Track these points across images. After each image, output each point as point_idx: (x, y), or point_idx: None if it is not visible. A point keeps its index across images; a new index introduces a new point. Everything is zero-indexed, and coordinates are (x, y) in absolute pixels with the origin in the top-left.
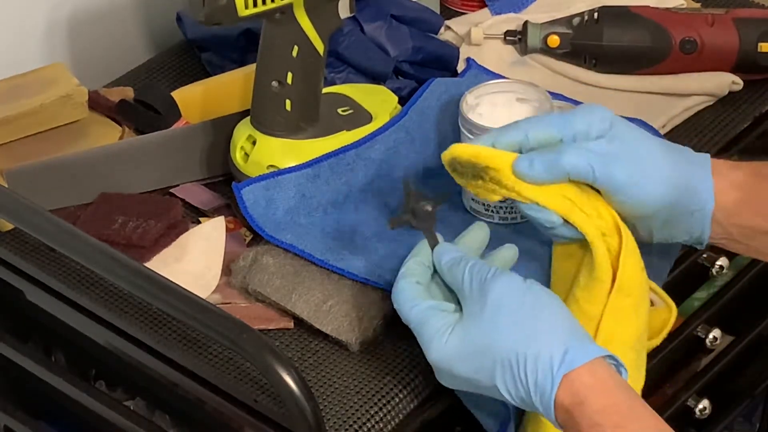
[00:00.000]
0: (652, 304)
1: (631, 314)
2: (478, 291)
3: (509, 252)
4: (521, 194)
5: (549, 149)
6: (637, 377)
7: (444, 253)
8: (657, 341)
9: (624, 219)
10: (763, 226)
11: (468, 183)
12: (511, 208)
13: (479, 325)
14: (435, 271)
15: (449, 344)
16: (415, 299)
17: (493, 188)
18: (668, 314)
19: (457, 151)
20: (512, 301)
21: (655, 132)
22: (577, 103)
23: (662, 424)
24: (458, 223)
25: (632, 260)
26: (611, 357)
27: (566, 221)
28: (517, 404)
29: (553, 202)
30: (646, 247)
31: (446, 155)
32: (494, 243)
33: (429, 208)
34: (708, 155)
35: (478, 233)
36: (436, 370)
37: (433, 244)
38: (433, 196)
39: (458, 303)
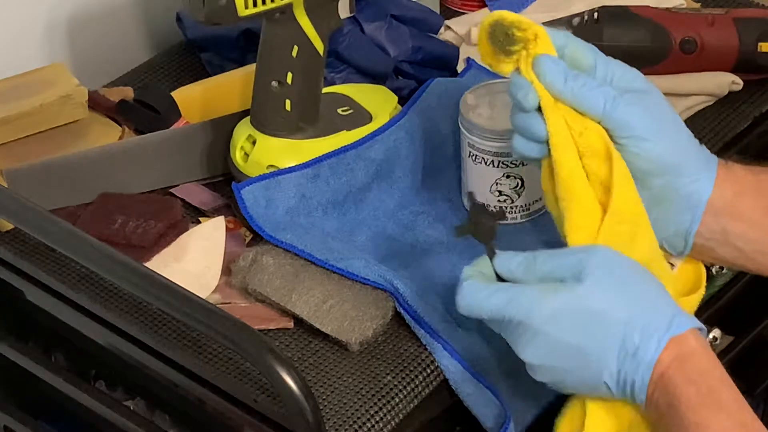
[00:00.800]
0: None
1: (628, 242)
2: (574, 265)
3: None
4: (529, 74)
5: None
6: None
7: (509, 258)
8: (698, 294)
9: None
10: (761, 221)
11: (492, 51)
12: (512, 208)
13: (588, 290)
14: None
15: (559, 300)
16: (491, 287)
17: (510, 60)
18: (695, 266)
19: (507, 15)
20: (615, 270)
21: None
22: None
23: (745, 403)
24: (458, 223)
25: (623, 187)
26: (702, 329)
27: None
28: (609, 378)
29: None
30: None
31: (492, 17)
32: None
33: (491, 222)
34: (716, 157)
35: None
36: (534, 341)
37: (491, 255)
38: (494, 212)
39: None
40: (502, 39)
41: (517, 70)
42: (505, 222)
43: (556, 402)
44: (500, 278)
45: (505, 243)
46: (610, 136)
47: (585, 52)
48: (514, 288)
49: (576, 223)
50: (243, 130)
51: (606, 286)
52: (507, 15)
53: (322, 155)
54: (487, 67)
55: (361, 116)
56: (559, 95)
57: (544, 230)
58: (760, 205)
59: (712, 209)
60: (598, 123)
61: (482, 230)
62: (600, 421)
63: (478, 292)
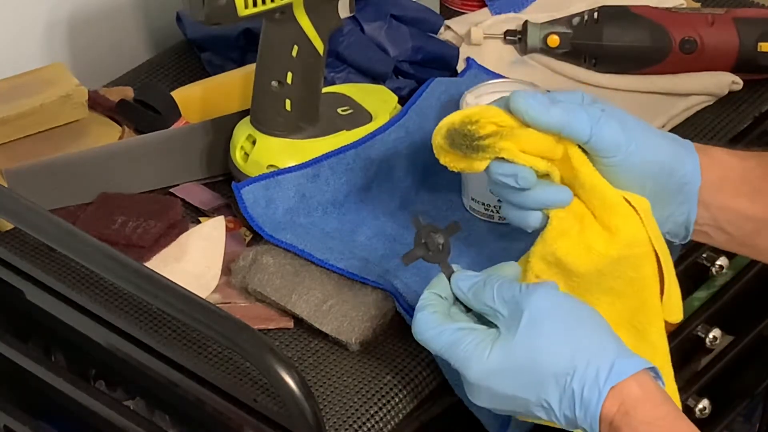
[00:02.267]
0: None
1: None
2: (513, 307)
3: (511, 270)
4: (509, 151)
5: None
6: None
7: (463, 279)
8: (672, 319)
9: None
10: (746, 208)
11: (463, 156)
12: None
13: (521, 340)
14: (453, 303)
15: (492, 359)
16: (440, 325)
17: (483, 155)
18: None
19: (455, 118)
20: (553, 313)
21: None
22: None
23: None
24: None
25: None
26: (653, 369)
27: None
28: (561, 423)
29: (534, 160)
30: None
31: (440, 129)
32: (494, 242)
33: (441, 240)
34: (690, 141)
35: (507, 270)
36: (473, 389)
37: (449, 274)
38: (444, 227)
39: (487, 326)
40: (463, 141)
41: (497, 159)
42: (504, 222)
43: None
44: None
45: (505, 243)
46: (592, 157)
47: (533, 99)
48: (458, 333)
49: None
50: (243, 130)
51: (540, 335)
52: (454, 118)
53: (322, 155)
54: (459, 171)
55: (361, 116)
56: (545, 126)
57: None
58: (745, 191)
59: (701, 199)
60: (581, 145)
61: (434, 251)
62: None
63: (429, 329)
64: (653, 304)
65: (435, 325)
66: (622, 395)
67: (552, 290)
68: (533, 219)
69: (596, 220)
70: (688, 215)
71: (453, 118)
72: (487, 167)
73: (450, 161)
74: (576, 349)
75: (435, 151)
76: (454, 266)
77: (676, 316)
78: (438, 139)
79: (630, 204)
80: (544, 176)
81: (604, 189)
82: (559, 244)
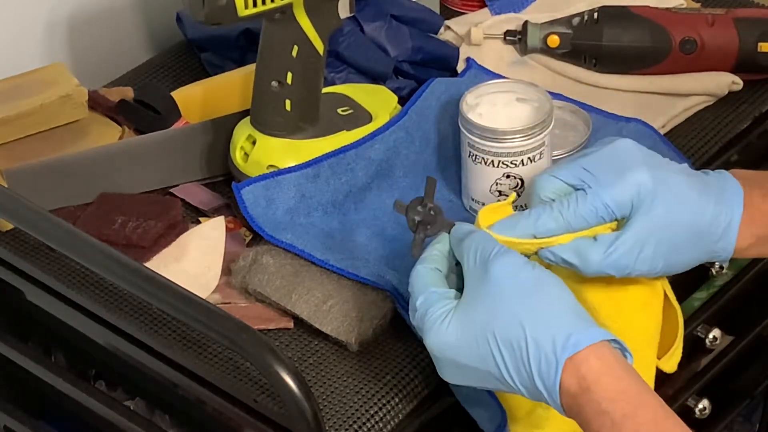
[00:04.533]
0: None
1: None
2: (480, 268)
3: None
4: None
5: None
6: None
7: (459, 228)
8: (672, 360)
9: None
10: None
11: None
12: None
13: (478, 305)
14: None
15: (449, 330)
16: (426, 285)
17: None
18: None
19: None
20: (513, 280)
21: (654, 132)
22: (576, 103)
23: (671, 414)
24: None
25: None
26: (616, 341)
27: None
28: (524, 394)
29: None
30: None
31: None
32: None
33: (430, 205)
34: (741, 191)
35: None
36: (437, 362)
37: (449, 229)
38: (425, 185)
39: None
40: None
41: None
42: None
43: None
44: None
45: None
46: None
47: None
48: (432, 297)
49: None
50: (243, 130)
51: (496, 304)
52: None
53: (322, 155)
54: None
55: (361, 116)
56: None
57: None
58: None
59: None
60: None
61: (431, 222)
62: None
63: (418, 285)
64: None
65: (424, 283)
66: (581, 370)
67: (518, 257)
68: None
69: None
70: (726, 256)
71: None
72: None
73: None
74: (531, 319)
75: None
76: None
77: (671, 367)
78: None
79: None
80: None
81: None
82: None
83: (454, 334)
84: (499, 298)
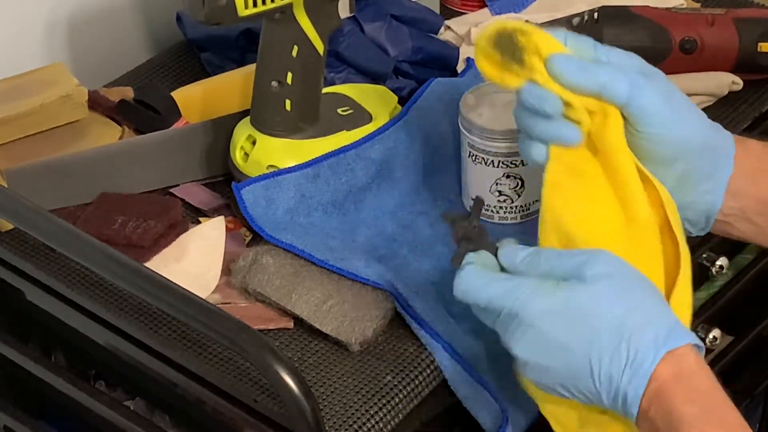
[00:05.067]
0: None
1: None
2: (576, 266)
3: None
4: (544, 77)
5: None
6: None
7: (515, 251)
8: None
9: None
10: None
11: (501, 62)
12: (511, 208)
13: (587, 291)
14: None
15: (556, 299)
16: (490, 276)
17: (520, 70)
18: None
19: (508, 23)
20: (618, 272)
21: None
22: None
23: (748, 427)
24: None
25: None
26: (701, 347)
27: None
28: (597, 385)
29: (565, 93)
30: None
31: (494, 27)
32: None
33: (475, 223)
34: (729, 132)
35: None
36: (521, 331)
37: (494, 251)
38: (470, 208)
39: None
40: (509, 47)
41: (531, 80)
42: (503, 222)
43: None
44: (503, 271)
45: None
46: (629, 124)
47: (584, 45)
48: (515, 279)
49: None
50: (243, 130)
51: (605, 290)
52: (507, 23)
53: (322, 155)
54: (493, 83)
55: (361, 116)
56: (583, 88)
57: None
58: None
59: (731, 189)
60: (620, 110)
61: (474, 239)
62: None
63: (478, 278)
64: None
65: (484, 274)
66: (680, 361)
67: (613, 255)
68: (536, 152)
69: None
70: (713, 204)
71: (506, 24)
72: (519, 88)
73: (485, 66)
74: (638, 310)
75: (475, 53)
76: (500, 241)
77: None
78: (483, 39)
79: (653, 185)
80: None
81: (627, 164)
82: (552, 199)
83: (560, 304)
84: (606, 288)
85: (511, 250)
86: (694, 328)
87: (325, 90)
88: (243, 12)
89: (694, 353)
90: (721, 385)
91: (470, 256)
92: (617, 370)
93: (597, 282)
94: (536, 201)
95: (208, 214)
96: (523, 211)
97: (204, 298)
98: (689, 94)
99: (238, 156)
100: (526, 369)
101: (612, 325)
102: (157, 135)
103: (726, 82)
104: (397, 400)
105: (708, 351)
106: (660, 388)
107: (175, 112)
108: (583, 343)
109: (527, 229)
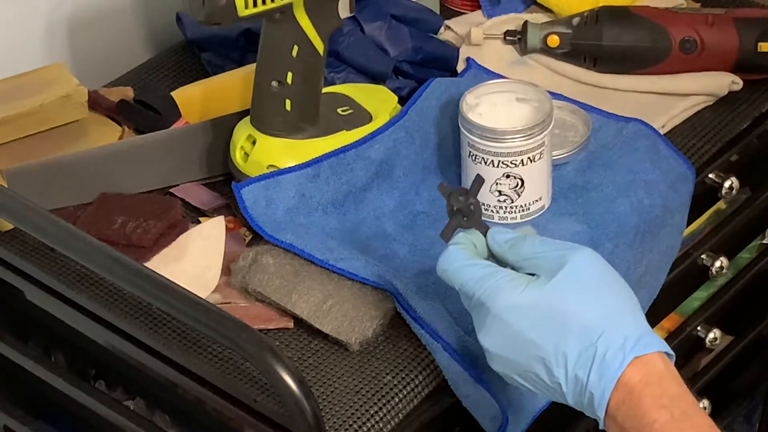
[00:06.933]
0: None
1: None
2: (555, 260)
3: (530, 229)
4: None
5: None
6: None
7: (502, 233)
8: None
9: None
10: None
11: None
12: (511, 208)
13: (558, 285)
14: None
15: (525, 295)
16: (472, 259)
17: None
18: None
19: None
20: (594, 272)
21: (654, 132)
22: (576, 103)
23: (715, 429)
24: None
25: None
26: (672, 356)
27: None
28: (564, 386)
29: None
30: (647, 245)
31: None
32: None
33: (472, 200)
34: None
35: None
36: (490, 325)
37: (485, 231)
38: (470, 187)
39: None
40: None
41: None
42: (503, 222)
43: (553, 404)
44: (491, 252)
45: None
46: None
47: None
48: (491, 268)
49: None
50: (243, 130)
51: (578, 289)
52: None
53: (322, 155)
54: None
55: (361, 116)
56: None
57: (543, 230)
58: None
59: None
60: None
61: (468, 215)
62: None
63: (459, 260)
64: None
65: (466, 257)
66: (648, 366)
67: (597, 254)
68: None
69: None
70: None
71: None
72: None
73: None
74: (609, 313)
75: None
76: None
77: None
78: None
79: None
80: None
81: None
82: None
83: (528, 300)
84: (579, 286)
85: (498, 232)
86: (694, 328)
87: (325, 90)
88: (243, 12)
89: (663, 360)
90: (687, 389)
91: (459, 236)
92: (584, 370)
93: (571, 280)
94: (536, 200)
95: (208, 214)
96: (523, 211)
97: (204, 298)
98: (689, 94)
99: (238, 156)
100: (493, 361)
101: (582, 326)
102: (157, 135)
103: (726, 82)
104: (397, 400)
105: (708, 351)
106: (629, 392)
107: (175, 112)
108: (550, 340)
109: None
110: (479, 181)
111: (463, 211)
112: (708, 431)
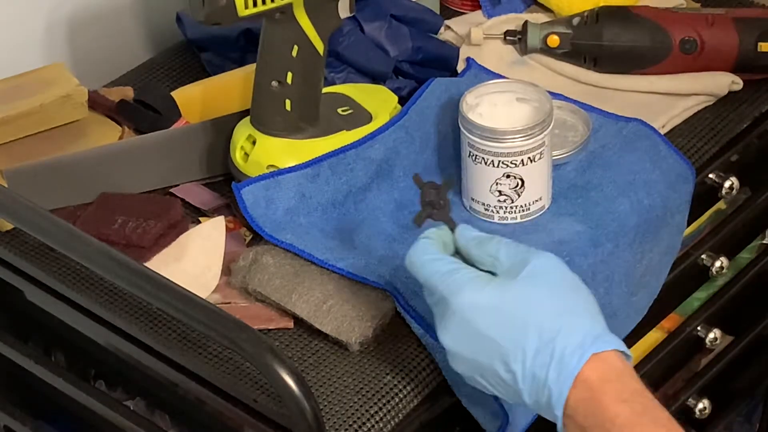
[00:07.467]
0: None
1: None
2: (517, 261)
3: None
4: None
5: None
6: None
7: (469, 229)
8: None
9: None
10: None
11: None
12: (511, 208)
13: (519, 285)
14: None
15: (485, 293)
16: (439, 254)
17: None
18: None
19: None
20: (554, 274)
21: (654, 132)
22: (576, 103)
23: (679, 426)
24: (458, 222)
25: None
26: (627, 354)
27: None
28: (521, 384)
29: None
30: (647, 245)
31: None
32: None
33: (443, 199)
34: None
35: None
36: (450, 322)
37: (453, 226)
38: (442, 182)
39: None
40: None
41: None
42: (503, 222)
43: None
44: (458, 250)
45: None
46: None
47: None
48: (455, 264)
49: None
50: (243, 130)
51: (538, 289)
52: None
53: (322, 155)
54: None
55: (361, 116)
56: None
57: (544, 230)
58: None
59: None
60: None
61: (438, 208)
62: None
63: (425, 253)
64: None
65: (434, 252)
66: (606, 363)
67: (558, 258)
68: None
69: None
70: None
71: None
72: None
73: None
74: (568, 312)
75: None
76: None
77: None
78: None
79: None
80: None
81: None
82: None
83: (488, 298)
84: (540, 287)
85: (465, 228)
86: (694, 328)
87: (325, 90)
88: (243, 12)
89: (620, 358)
90: (644, 386)
91: (430, 231)
92: (542, 368)
93: (532, 280)
94: (536, 201)
95: (208, 214)
96: (523, 211)
97: (204, 298)
98: (689, 94)
99: (238, 156)
100: (453, 360)
101: (541, 325)
102: (157, 135)
103: (726, 82)
104: (397, 400)
105: (708, 351)
106: (589, 389)
107: (175, 112)
108: (507, 339)
109: (527, 229)
110: (451, 182)
111: (434, 204)
112: (668, 424)
